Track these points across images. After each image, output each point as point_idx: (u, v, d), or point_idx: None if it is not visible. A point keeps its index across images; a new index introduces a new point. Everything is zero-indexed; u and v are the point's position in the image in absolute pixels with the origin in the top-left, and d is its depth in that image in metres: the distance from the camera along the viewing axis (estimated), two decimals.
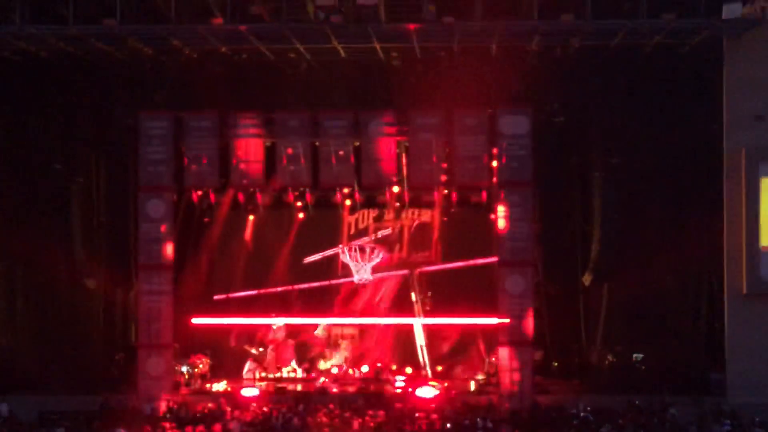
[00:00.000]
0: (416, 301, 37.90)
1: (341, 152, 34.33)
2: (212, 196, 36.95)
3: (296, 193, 37.26)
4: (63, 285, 35.86)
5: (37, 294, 35.74)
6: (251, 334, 37.60)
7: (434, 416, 29.08)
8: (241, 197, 37.28)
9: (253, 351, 37.18)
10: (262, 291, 38.23)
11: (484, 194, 36.49)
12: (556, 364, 36.12)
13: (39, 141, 35.36)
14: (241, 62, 34.47)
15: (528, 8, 31.45)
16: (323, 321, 38.17)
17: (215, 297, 38.05)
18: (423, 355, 37.23)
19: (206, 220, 37.95)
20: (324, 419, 28.93)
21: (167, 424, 26.91)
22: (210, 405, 31.24)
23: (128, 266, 35.66)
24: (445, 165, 34.51)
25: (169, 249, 34.18)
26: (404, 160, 35.09)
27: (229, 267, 38.77)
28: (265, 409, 30.55)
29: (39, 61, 34.16)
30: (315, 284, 38.48)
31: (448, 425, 28.28)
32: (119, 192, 35.64)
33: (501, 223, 33.70)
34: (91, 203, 35.97)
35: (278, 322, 37.62)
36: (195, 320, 37.40)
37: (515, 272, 33.43)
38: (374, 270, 38.49)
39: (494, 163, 34.11)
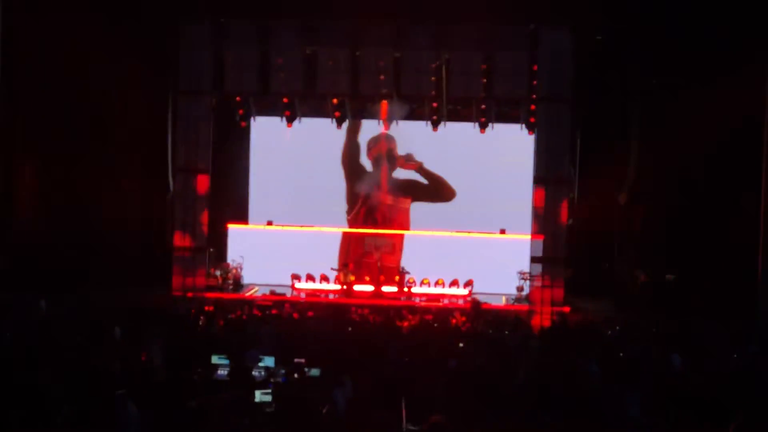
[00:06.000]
0: None
1: (381, 62, 34.33)
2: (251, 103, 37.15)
3: (336, 103, 37.05)
4: (101, 186, 36.09)
5: (76, 194, 35.94)
6: None
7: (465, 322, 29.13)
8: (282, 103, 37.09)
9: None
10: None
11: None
12: (587, 282, 36.11)
13: (77, 45, 35.09)
14: None
15: None
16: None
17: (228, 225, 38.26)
18: None
19: (243, 124, 38.12)
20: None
21: (201, 320, 27.25)
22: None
23: (165, 170, 35.88)
24: (484, 80, 34.47)
25: (206, 154, 34.46)
26: (444, 73, 34.96)
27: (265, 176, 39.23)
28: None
29: None
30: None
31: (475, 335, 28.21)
32: (158, 96, 35.70)
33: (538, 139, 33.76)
34: (129, 106, 35.98)
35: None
36: (231, 226, 37.83)
37: (549, 188, 33.50)
38: None
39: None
